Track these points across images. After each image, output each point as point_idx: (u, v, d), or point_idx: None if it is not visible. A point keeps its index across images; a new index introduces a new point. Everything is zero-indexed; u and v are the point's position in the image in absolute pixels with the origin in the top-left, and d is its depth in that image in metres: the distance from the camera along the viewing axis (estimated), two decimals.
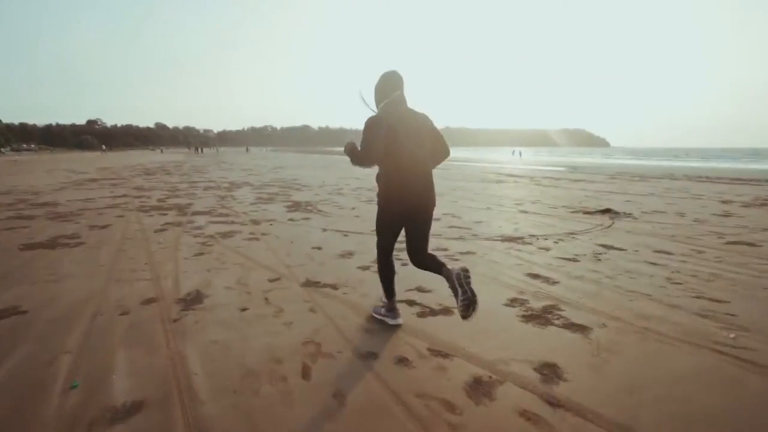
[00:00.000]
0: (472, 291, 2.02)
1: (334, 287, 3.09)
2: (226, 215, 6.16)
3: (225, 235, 4.78)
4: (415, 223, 2.29)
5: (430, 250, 2.38)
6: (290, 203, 7.48)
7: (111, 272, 3.37)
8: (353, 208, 6.99)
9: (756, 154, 68.73)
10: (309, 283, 3.16)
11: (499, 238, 4.87)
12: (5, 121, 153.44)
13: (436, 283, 2.70)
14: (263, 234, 4.87)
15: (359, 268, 3.57)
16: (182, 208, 6.81)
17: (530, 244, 4.63)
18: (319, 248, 4.23)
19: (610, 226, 5.68)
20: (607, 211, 7.12)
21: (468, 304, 2.00)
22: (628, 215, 6.67)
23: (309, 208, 6.98)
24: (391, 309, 2.43)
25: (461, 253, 4.17)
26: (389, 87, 2.25)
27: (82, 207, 6.95)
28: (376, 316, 2.50)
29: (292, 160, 28.85)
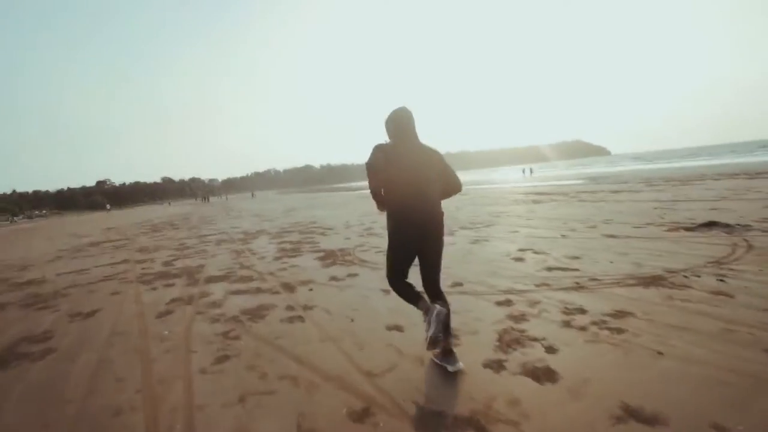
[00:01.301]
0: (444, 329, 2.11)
1: (478, 426, 1.69)
2: (249, 279, 4.83)
3: (254, 314, 3.41)
4: (423, 252, 2.28)
5: None
6: (321, 253, 6.15)
7: (79, 420, 2.01)
8: None
9: (764, 146, 67.32)
10: (426, 418, 1.77)
11: (633, 281, 3.46)
12: (19, 190, 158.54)
13: None
14: (306, 308, 3.49)
15: (493, 364, 2.19)
16: (192, 274, 5.50)
17: (686, 286, 3.22)
18: (399, 328, 2.85)
19: (749, 247, 4.27)
20: (712, 224, 5.73)
21: (435, 341, 2.07)
22: (746, 227, 5.29)
23: (347, 258, 5.64)
24: (428, 309, 2.18)
25: (609, 315, 2.76)
26: (399, 123, 2.28)
27: (71, 282, 5.68)
28: (428, 328, 2.17)
29: (302, 201, 27.84)
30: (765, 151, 46.23)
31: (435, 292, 2.32)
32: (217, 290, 4.41)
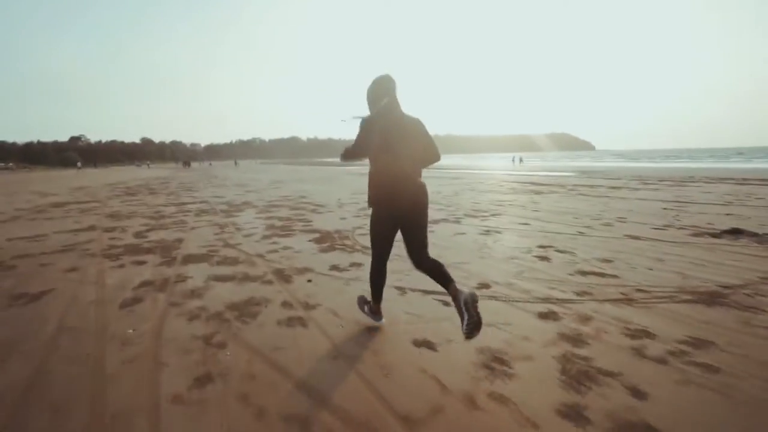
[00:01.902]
0: (478, 315, 2.00)
1: None
2: (235, 261, 4.16)
3: (242, 311, 2.78)
4: (408, 225, 2.27)
5: None
6: (316, 234, 5.50)
7: None
8: None
9: (740, 153, 69.38)
10: None
11: (688, 296, 2.98)
12: None
13: None
14: (307, 306, 2.87)
15: (570, 411, 1.64)
16: (168, 249, 4.77)
17: (757, 308, 2.75)
18: (429, 345, 2.25)
19: None
20: (737, 231, 5.36)
21: (472, 328, 1.98)
22: None
23: (345, 242, 5.02)
24: (376, 312, 2.52)
25: (685, 343, 2.22)
26: (381, 91, 2.24)
27: (22, 251, 4.87)
28: (361, 310, 2.65)
29: (288, 174, 26.79)
30: (741, 158, 47.77)
31: (424, 262, 2.28)
32: (197, 273, 3.73)
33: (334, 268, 3.85)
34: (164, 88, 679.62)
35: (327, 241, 5.10)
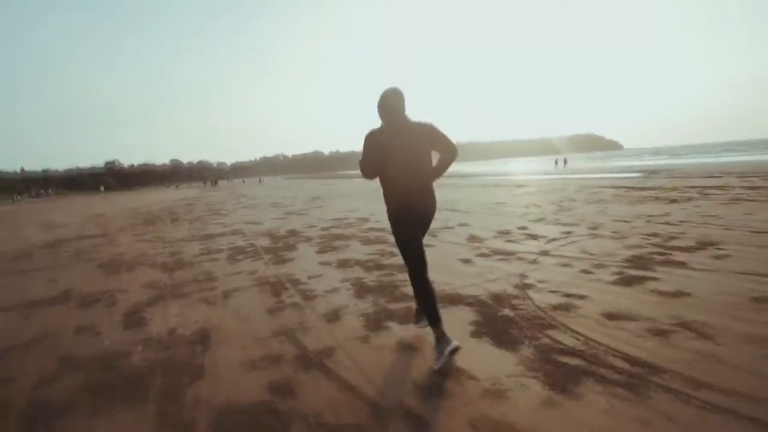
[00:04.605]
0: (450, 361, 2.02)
1: None
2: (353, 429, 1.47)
3: None
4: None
5: None
6: (466, 307, 2.75)
7: None
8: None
9: None
10: None
11: None
12: (29, 168, 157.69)
13: None
14: None
15: None
16: (179, 377, 2.14)
17: None
18: None
19: None
20: None
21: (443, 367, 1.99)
22: None
23: (528, 318, 2.24)
24: (440, 337, 2.11)
25: None
26: (387, 106, 2.23)
27: None
28: (418, 325, 2.47)
29: (321, 189, 24.33)
30: None
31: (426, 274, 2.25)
32: None
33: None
34: (191, 111, 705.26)
35: (489, 319, 2.33)
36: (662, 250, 4.10)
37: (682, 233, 4.86)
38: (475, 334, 2.42)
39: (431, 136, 2.25)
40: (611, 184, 13.40)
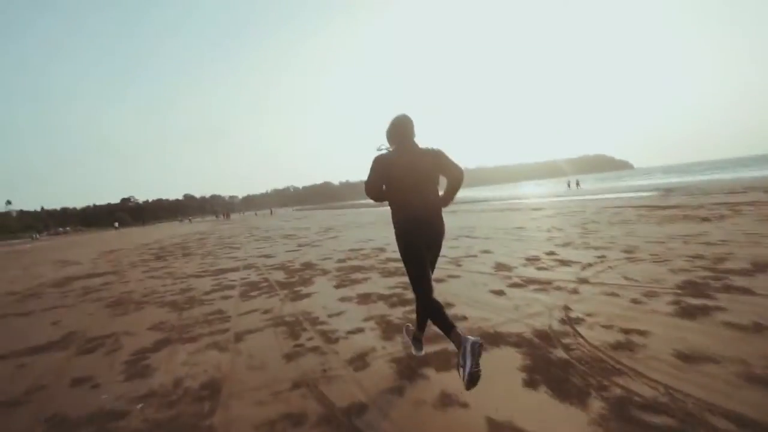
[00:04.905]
0: (477, 364, 1.74)
1: None
2: None
3: None
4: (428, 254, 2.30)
5: None
6: (512, 349, 2.40)
7: None
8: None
9: None
10: None
11: None
12: (48, 207, 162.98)
13: None
14: None
15: None
16: None
17: None
18: None
19: None
20: None
21: (473, 379, 1.74)
22: None
23: (587, 359, 1.86)
24: (418, 341, 2.47)
25: None
26: (397, 132, 2.30)
27: None
28: (405, 337, 2.61)
29: (333, 219, 24.18)
30: None
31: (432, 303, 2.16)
32: None
33: None
34: (204, 144, 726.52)
35: (540, 363, 1.96)
36: (715, 274, 3.71)
37: (730, 254, 4.45)
38: (530, 384, 2.06)
39: (439, 161, 2.28)
40: (629, 204, 12.95)
